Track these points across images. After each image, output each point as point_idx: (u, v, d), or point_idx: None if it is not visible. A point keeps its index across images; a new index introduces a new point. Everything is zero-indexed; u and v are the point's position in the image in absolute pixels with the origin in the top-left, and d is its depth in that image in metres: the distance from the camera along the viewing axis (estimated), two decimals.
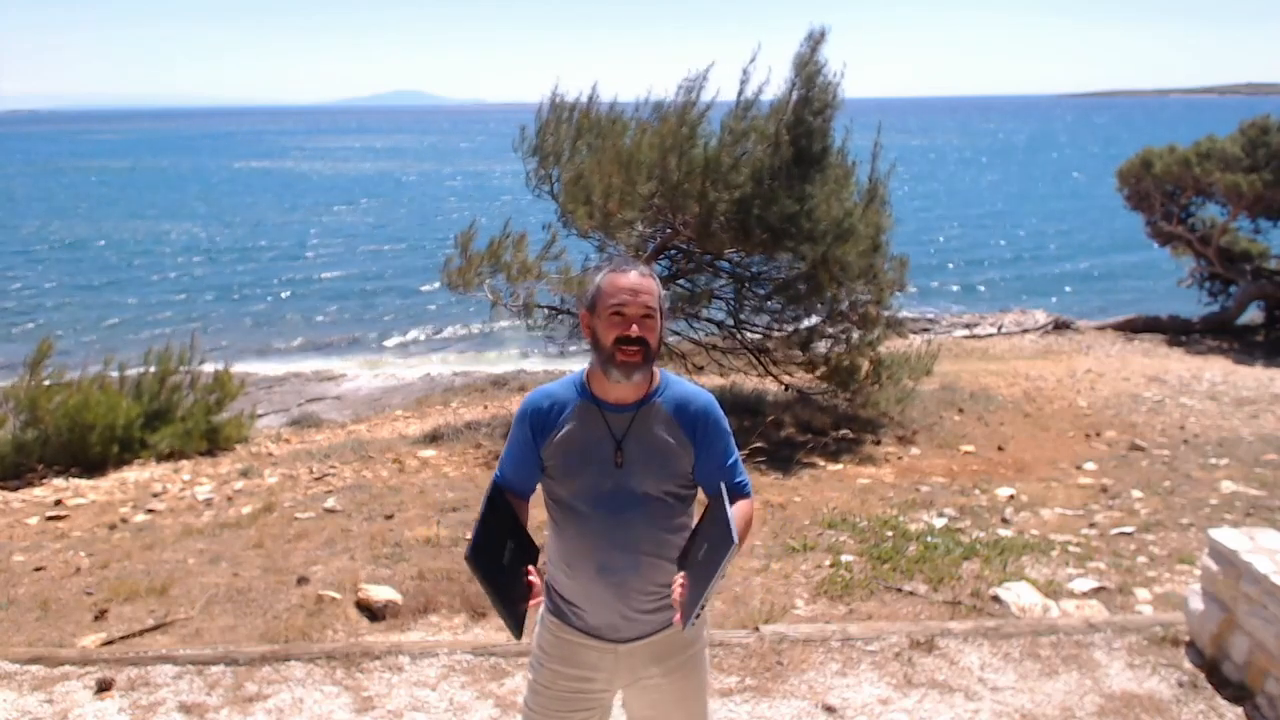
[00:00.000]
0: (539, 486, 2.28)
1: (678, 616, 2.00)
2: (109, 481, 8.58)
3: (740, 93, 9.22)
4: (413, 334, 21.22)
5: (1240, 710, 3.49)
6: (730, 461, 2.23)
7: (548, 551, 2.30)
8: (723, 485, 2.15)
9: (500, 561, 2.06)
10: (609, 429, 2.15)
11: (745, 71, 9.16)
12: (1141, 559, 5.53)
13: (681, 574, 2.07)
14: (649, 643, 2.23)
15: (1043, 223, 38.50)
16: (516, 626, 2.03)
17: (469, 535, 2.06)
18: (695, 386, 2.27)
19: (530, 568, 2.10)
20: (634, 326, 2.07)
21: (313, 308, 24.13)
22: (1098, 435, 9.33)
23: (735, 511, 2.06)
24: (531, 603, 2.06)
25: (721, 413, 2.24)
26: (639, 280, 2.09)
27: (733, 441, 2.26)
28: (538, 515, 2.29)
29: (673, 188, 8.94)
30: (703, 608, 1.97)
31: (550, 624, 2.29)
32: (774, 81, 9.26)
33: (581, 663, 2.24)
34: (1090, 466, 8.02)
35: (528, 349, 18.29)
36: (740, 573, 5.18)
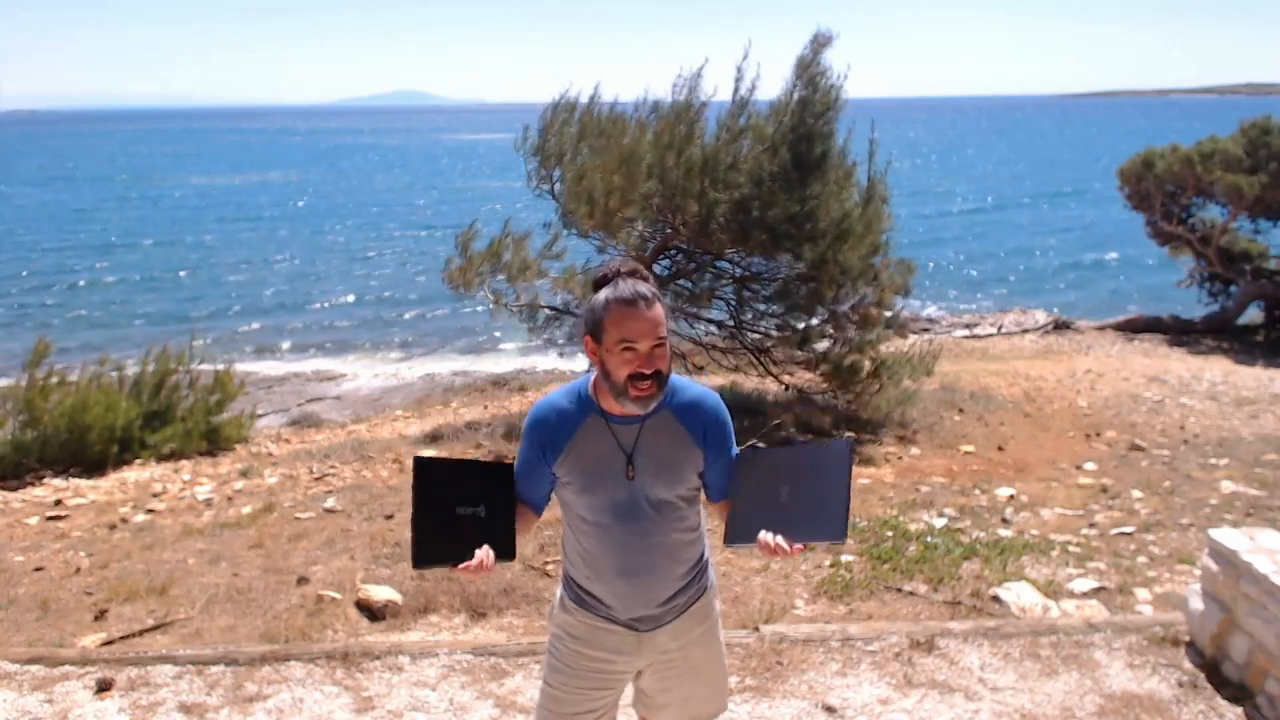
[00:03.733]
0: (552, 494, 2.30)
1: (799, 548, 1.99)
2: (109, 481, 8.58)
3: (735, 91, 9.21)
4: (413, 334, 21.22)
5: (1240, 710, 3.49)
6: (734, 455, 2.29)
7: (565, 550, 2.33)
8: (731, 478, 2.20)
9: (453, 505, 1.99)
10: (618, 443, 2.16)
11: (739, 69, 9.15)
12: (1141, 559, 5.53)
13: (762, 533, 2.03)
14: (669, 626, 2.28)
15: (1043, 221, 38.52)
16: (417, 557, 1.97)
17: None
18: (700, 387, 2.27)
19: (487, 551, 2.00)
20: (648, 363, 2.03)
21: (313, 307, 24.13)
22: (1098, 435, 9.33)
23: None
24: (460, 567, 1.97)
25: (727, 412, 2.26)
26: (645, 311, 2.01)
27: (734, 437, 2.29)
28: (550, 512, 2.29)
29: (672, 187, 8.94)
30: (848, 517, 1.99)
31: (572, 608, 2.31)
32: (772, 81, 9.26)
33: (604, 645, 2.28)
34: (1090, 466, 8.02)
35: (528, 349, 18.29)
36: (740, 572, 5.19)
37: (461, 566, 1.97)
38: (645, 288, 2.05)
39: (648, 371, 2.03)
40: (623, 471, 2.15)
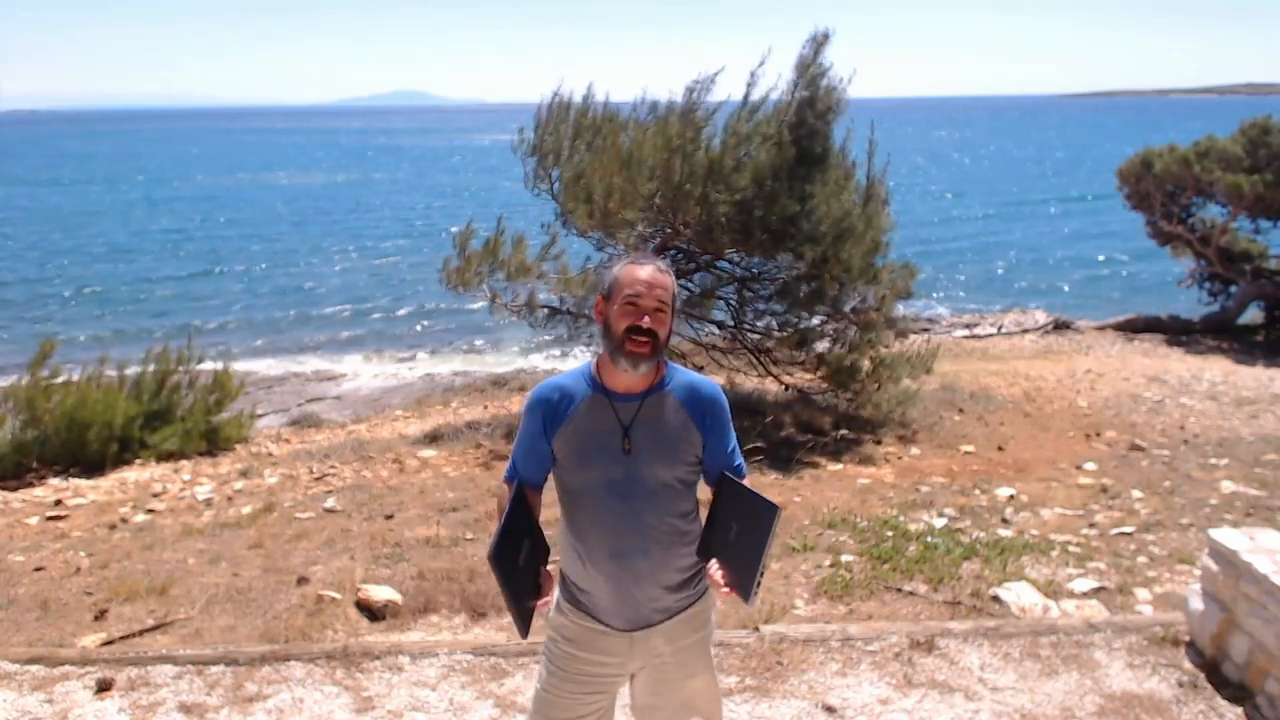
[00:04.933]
0: (550, 477, 2.33)
1: (725, 591, 2.09)
2: (109, 481, 8.58)
3: (746, 96, 9.19)
4: (413, 334, 21.22)
5: (1240, 710, 3.49)
6: (733, 447, 2.32)
7: (560, 541, 2.33)
8: (726, 471, 2.25)
9: (517, 562, 2.12)
10: (617, 418, 2.20)
11: (753, 75, 9.12)
12: (1141, 559, 5.53)
13: (713, 560, 2.16)
14: (662, 628, 2.28)
15: (1042, 221, 38.48)
16: (524, 625, 2.10)
17: (491, 533, 2.12)
18: (700, 375, 2.34)
19: (544, 569, 2.18)
20: (646, 318, 2.13)
21: (313, 308, 24.11)
22: (1098, 435, 9.33)
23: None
24: (540, 602, 2.14)
25: (725, 400, 2.31)
26: (655, 275, 2.17)
27: (732, 426, 2.34)
28: (549, 513, 2.30)
29: (674, 189, 8.94)
30: (760, 579, 2.05)
31: (566, 609, 2.33)
32: (779, 84, 9.25)
33: (596, 648, 2.28)
34: (1090, 466, 8.02)
35: (528, 349, 18.29)
36: None
37: (540, 603, 2.14)
38: (661, 263, 2.22)
39: (644, 325, 2.13)
40: (619, 446, 2.19)
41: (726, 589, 2.08)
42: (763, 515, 2.04)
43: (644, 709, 2.40)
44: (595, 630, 2.27)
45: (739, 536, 2.10)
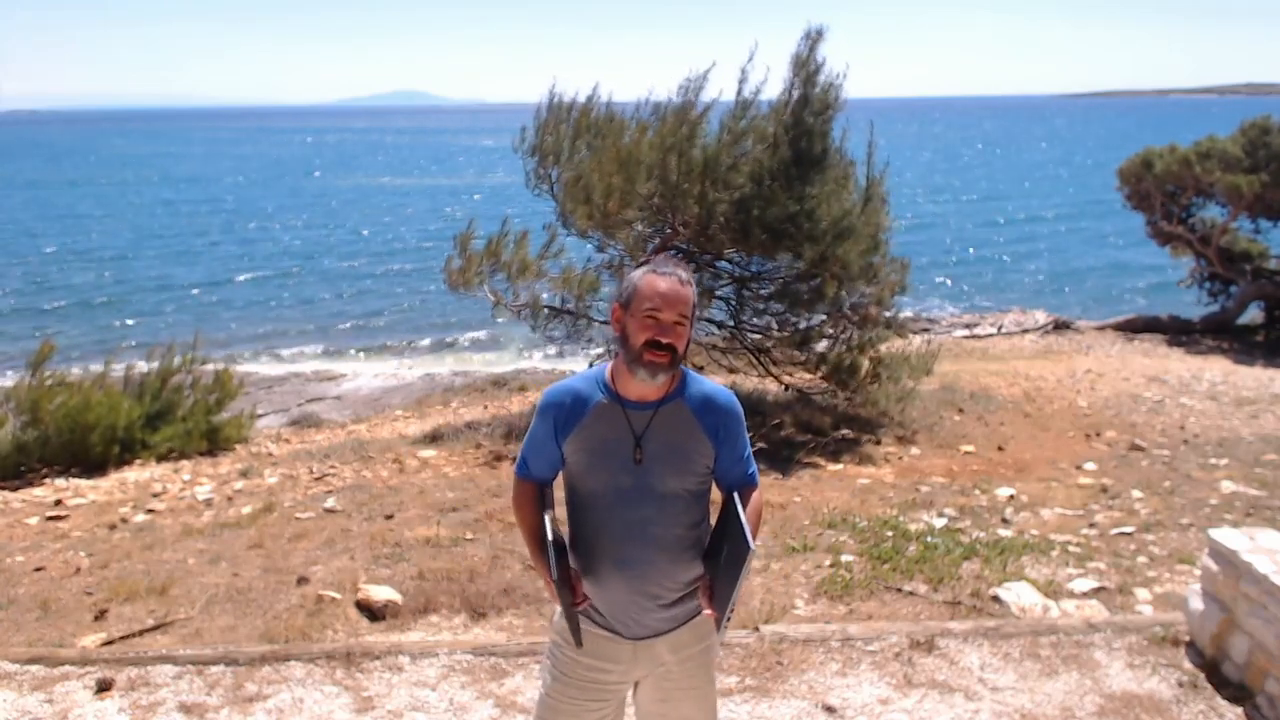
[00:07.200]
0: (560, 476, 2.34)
1: (708, 612, 2.12)
2: (109, 481, 8.58)
3: (739, 93, 9.18)
4: (413, 334, 21.22)
5: (1240, 710, 3.49)
6: (746, 455, 2.31)
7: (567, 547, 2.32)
8: (739, 480, 2.25)
9: (568, 577, 2.16)
10: (630, 426, 2.19)
11: (743, 71, 9.12)
12: (1141, 559, 5.53)
13: (705, 576, 2.17)
14: (667, 637, 2.27)
15: (1043, 221, 38.50)
16: (579, 634, 2.17)
17: (546, 560, 2.14)
18: (716, 384, 2.31)
19: (574, 569, 2.20)
20: (666, 332, 2.11)
21: (313, 308, 24.13)
22: (1098, 435, 9.33)
23: (747, 508, 2.17)
24: (580, 601, 2.18)
25: (741, 409, 2.30)
26: (677, 287, 2.13)
27: (747, 435, 2.33)
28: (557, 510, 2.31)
29: (672, 188, 8.93)
30: (731, 611, 2.06)
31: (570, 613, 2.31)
32: (773, 81, 9.24)
33: (599, 654, 2.27)
34: (1090, 466, 8.02)
35: (528, 349, 18.30)
36: None
37: (580, 606, 2.19)
38: (682, 273, 2.18)
39: (664, 340, 2.11)
40: (630, 455, 2.17)
41: (708, 610, 2.12)
42: (739, 550, 2.02)
43: (649, 716, 2.38)
44: (599, 637, 2.26)
45: (725, 561, 2.10)
